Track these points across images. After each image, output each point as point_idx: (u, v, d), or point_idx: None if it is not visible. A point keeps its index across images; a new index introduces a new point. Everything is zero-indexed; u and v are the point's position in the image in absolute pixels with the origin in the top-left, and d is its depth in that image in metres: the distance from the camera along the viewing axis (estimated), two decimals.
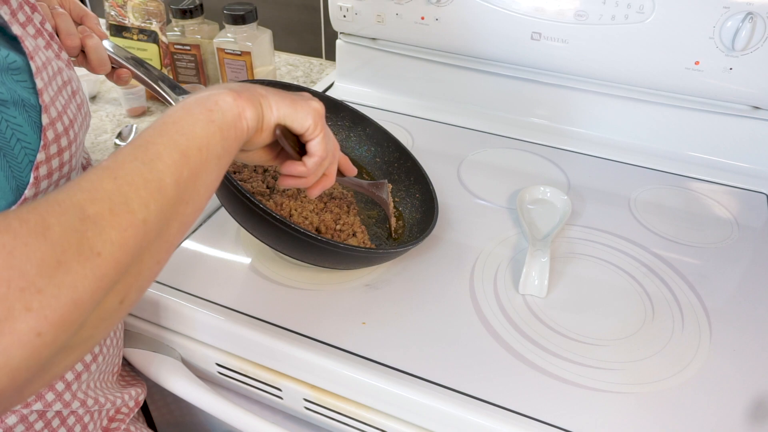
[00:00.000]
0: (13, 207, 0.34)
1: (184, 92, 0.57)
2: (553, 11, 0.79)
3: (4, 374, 0.24)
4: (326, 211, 0.66)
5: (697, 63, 0.76)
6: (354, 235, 0.64)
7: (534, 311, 0.60)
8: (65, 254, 0.26)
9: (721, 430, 0.50)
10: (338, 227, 0.65)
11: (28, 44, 0.35)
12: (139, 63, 0.59)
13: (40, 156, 0.36)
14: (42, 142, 0.36)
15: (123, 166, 0.31)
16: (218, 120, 0.36)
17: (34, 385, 0.27)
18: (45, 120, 0.36)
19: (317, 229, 0.64)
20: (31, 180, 0.36)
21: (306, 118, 0.42)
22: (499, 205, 0.75)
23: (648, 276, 0.65)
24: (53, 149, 0.37)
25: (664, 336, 0.58)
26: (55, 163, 0.37)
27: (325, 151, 0.45)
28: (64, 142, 0.38)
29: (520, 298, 0.61)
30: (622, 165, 0.84)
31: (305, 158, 0.45)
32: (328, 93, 1.00)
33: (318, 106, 0.44)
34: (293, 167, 0.45)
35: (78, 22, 0.57)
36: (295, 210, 0.64)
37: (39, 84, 0.35)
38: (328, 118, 0.72)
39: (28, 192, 0.36)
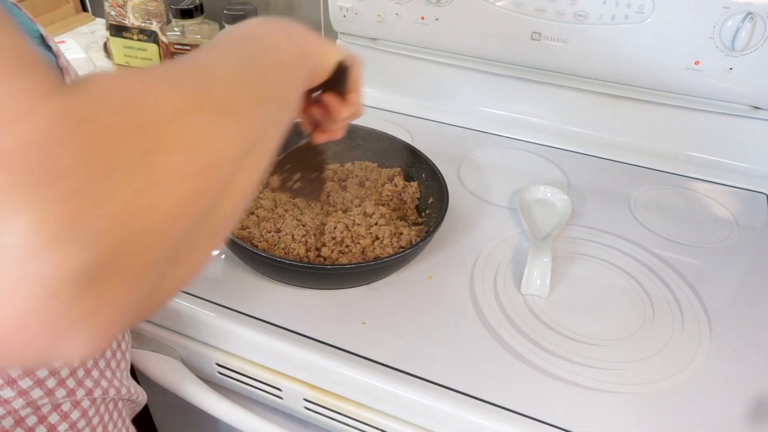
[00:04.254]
0: None
1: None
2: (553, 11, 0.79)
3: (162, 218, 0.20)
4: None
5: (697, 63, 0.76)
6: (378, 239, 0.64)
7: (534, 311, 0.60)
8: (200, 104, 0.23)
9: (721, 430, 0.50)
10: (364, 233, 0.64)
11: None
12: None
13: None
14: None
15: (229, 52, 0.30)
16: (298, 44, 0.36)
17: (184, 276, 0.24)
18: (68, 81, 0.37)
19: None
20: None
21: (360, 64, 0.45)
22: (499, 205, 0.75)
23: (648, 276, 0.65)
24: None
25: (664, 336, 0.58)
26: None
27: (359, 107, 0.47)
28: None
29: (520, 298, 0.61)
30: (622, 165, 0.84)
31: (345, 106, 0.46)
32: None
33: (361, 59, 0.46)
34: (336, 104, 0.46)
35: None
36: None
37: (53, 47, 0.37)
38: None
39: None
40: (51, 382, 0.41)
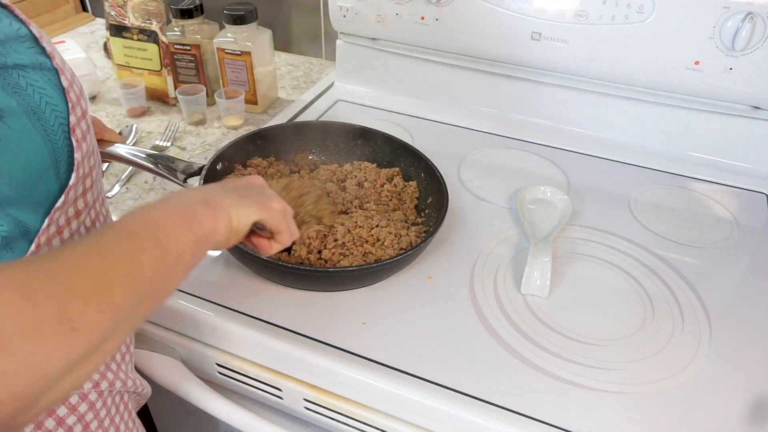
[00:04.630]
0: (35, 241, 0.36)
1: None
2: (553, 11, 0.79)
3: None
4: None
5: (697, 63, 0.76)
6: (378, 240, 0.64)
7: (534, 311, 0.60)
8: (45, 323, 0.26)
9: (721, 430, 0.50)
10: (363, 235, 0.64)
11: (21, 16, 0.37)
12: (155, 158, 0.65)
13: (72, 119, 0.38)
14: (69, 104, 0.38)
15: (110, 249, 0.31)
16: (197, 230, 0.37)
17: None
18: (65, 82, 0.38)
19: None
20: (75, 144, 0.38)
21: (277, 218, 0.45)
22: (499, 205, 0.75)
23: (648, 276, 0.65)
24: (79, 111, 0.39)
25: (664, 336, 0.58)
26: (83, 126, 0.39)
27: (289, 240, 0.48)
28: (84, 104, 0.40)
29: (520, 298, 0.61)
30: (622, 165, 0.84)
31: (275, 245, 0.48)
32: (327, 93, 1.00)
33: (280, 206, 0.46)
34: (263, 245, 0.47)
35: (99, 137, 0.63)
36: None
37: (47, 48, 0.37)
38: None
39: (76, 154, 0.38)
40: None
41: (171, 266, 0.35)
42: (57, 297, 0.27)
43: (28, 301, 0.25)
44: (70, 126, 0.38)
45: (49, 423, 0.43)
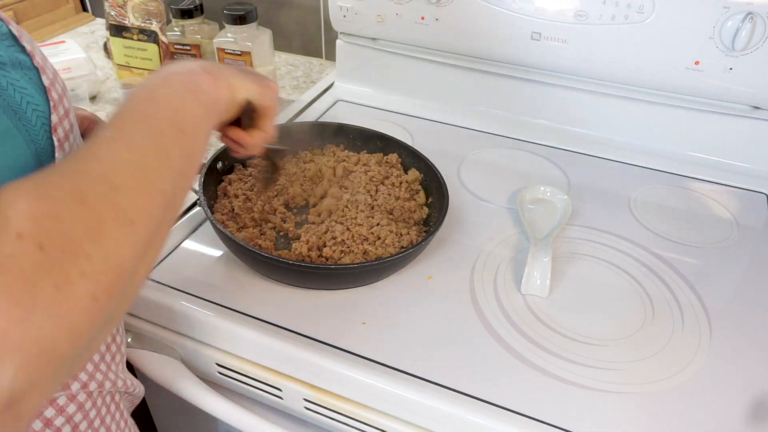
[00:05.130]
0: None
1: None
2: (553, 11, 0.79)
3: (68, 340, 0.24)
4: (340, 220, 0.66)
5: (697, 63, 0.76)
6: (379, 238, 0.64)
7: (534, 311, 0.60)
8: (105, 222, 0.27)
9: (721, 430, 0.50)
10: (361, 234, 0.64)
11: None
12: None
13: (54, 118, 0.37)
14: (51, 103, 0.37)
15: (134, 140, 0.32)
16: (203, 101, 0.38)
17: (84, 358, 0.27)
18: (46, 81, 0.37)
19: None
20: (56, 143, 0.37)
21: (271, 97, 0.46)
22: (499, 205, 0.75)
23: (648, 276, 0.65)
24: (61, 110, 0.38)
25: (664, 336, 0.58)
26: (66, 125, 0.39)
27: (271, 132, 0.48)
28: (66, 104, 0.39)
29: (520, 298, 0.61)
30: (622, 165, 0.84)
31: (256, 133, 0.48)
32: (327, 93, 1.00)
33: (276, 87, 0.47)
34: (243, 137, 0.48)
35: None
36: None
37: (27, 46, 0.36)
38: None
39: (58, 154, 0.37)
40: None
41: (191, 142, 0.36)
42: (106, 197, 0.28)
43: (83, 205, 0.26)
44: (52, 125, 0.37)
45: (36, 425, 0.42)
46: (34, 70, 0.37)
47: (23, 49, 0.36)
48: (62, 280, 0.24)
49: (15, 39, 0.36)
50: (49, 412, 0.43)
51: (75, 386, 0.44)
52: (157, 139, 0.33)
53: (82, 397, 0.45)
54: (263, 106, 0.46)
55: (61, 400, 0.44)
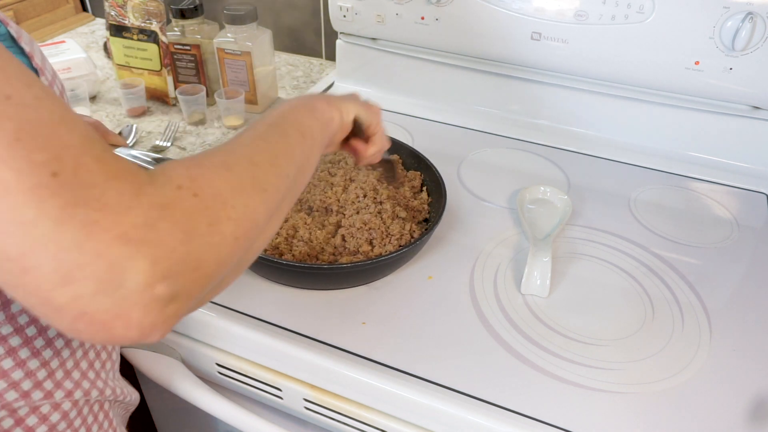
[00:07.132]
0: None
1: None
2: (553, 11, 0.79)
3: (215, 265, 0.30)
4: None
5: (697, 63, 0.76)
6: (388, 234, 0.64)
7: (534, 311, 0.60)
8: (245, 185, 0.34)
9: (721, 430, 0.50)
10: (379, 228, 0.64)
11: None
12: (156, 162, 0.66)
13: None
14: None
15: (268, 136, 0.40)
16: (319, 117, 0.47)
17: (215, 292, 0.34)
18: (44, 82, 0.37)
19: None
20: None
21: (374, 116, 0.55)
22: (499, 205, 0.75)
23: (648, 276, 0.65)
24: None
25: (664, 336, 0.58)
26: None
27: (382, 142, 0.57)
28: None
29: (520, 298, 0.61)
30: (622, 165, 0.84)
31: (369, 146, 0.56)
32: (327, 93, 1.00)
33: (378, 109, 0.56)
34: (360, 146, 0.56)
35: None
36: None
37: (27, 48, 0.38)
38: None
39: None
40: (27, 384, 0.41)
41: (309, 146, 0.44)
42: (247, 169, 0.35)
43: (230, 172, 0.34)
44: None
45: None
46: (33, 72, 0.37)
47: (22, 50, 0.37)
48: (213, 219, 0.30)
49: (14, 40, 0.37)
50: (31, 420, 0.42)
51: (59, 394, 0.43)
52: (285, 138, 0.41)
53: (66, 405, 0.45)
54: (369, 122, 0.54)
55: (45, 409, 0.43)
